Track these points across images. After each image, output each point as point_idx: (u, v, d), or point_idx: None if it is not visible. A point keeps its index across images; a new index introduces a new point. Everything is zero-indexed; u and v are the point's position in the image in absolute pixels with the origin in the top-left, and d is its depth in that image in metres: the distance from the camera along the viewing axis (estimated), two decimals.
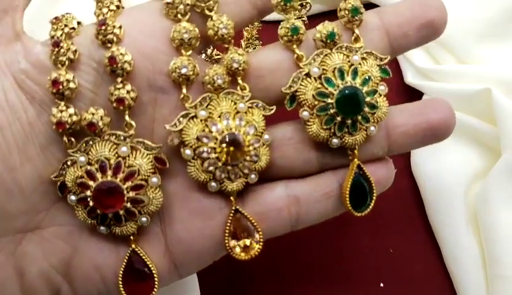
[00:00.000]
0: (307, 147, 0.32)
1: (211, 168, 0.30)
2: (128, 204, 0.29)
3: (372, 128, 0.31)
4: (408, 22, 0.31)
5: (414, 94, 0.46)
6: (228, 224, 0.31)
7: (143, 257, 0.30)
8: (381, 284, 0.42)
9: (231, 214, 0.31)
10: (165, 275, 0.31)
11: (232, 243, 0.31)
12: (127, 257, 0.30)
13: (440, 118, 0.31)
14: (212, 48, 0.46)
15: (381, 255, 0.42)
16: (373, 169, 0.32)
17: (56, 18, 0.30)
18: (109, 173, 0.29)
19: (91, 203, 0.29)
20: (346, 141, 0.31)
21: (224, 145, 0.29)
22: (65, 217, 0.31)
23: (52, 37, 0.30)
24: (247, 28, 0.49)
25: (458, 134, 0.44)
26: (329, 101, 0.30)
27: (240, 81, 0.30)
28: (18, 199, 0.29)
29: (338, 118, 0.30)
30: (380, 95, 0.31)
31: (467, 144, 0.44)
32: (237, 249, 0.31)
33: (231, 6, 0.31)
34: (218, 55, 0.46)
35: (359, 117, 0.30)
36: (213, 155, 0.29)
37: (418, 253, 0.42)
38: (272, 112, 0.31)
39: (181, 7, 0.30)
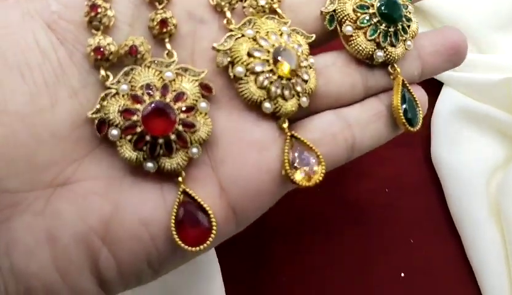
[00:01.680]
0: (351, 69, 0.31)
1: (266, 83, 0.28)
2: (180, 127, 0.26)
3: (409, 42, 0.31)
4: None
5: (432, 85, 0.46)
6: (286, 151, 0.28)
7: (196, 198, 0.27)
8: (402, 274, 0.41)
9: (287, 141, 0.28)
10: (222, 220, 0.27)
11: (294, 170, 0.28)
12: (177, 201, 0.26)
13: (458, 39, 0.33)
14: None
15: (402, 246, 0.42)
16: (413, 90, 0.32)
17: None
18: (157, 94, 0.27)
19: (139, 129, 0.26)
20: (389, 53, 0.31)
21: (278, 56, 0.28)
22: (101, 167, 0.27)
23: None
24: None
25: (478, 124, 0.44)
26: (371, 11, 0.31)
27: (278, 10, 0.30)
28: (47, 145, 0.26)
29: (382, 27, 0.30)
30: (410, 12, 0.32)
31: (487, 134, 0.44)
32: (299, 177, 0.28)
33: None
34: None
35: (399, 27, 0.31)
36: (267, 68, 0.28)
37: (439, 243, 0.42)
38: (313, 39, 0.30)
39: None
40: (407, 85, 0.31)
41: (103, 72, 0.27)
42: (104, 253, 0.26)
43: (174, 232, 0.26)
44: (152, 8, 0.28)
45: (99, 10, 0.27)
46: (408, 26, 0.31)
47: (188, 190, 0.27)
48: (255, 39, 0.28)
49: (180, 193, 0.26)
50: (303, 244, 0.41)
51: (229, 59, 0.28)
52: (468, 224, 0.41)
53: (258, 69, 0.28)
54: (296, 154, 0.28)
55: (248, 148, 0.28)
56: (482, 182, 0.42)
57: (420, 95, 0.32)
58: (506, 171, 0.42)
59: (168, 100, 0.26)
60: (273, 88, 0.28)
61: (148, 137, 0.26)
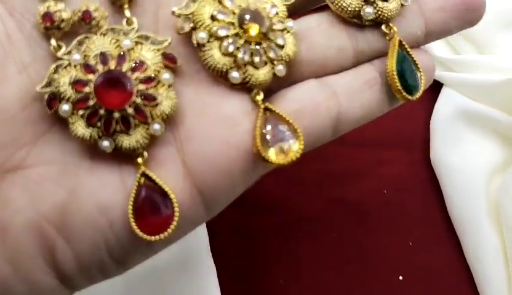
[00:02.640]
0: (338, 30, 0.27)
1: (231, 48, 0.25)
2: (138, 100, 0.24)
3: None
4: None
5: (432, 85, 0.46)
6: (258, 125, 0.25)
7: (157, 181, 0.24)
8: (400, 277, 0.41)
9: (260, 114, 0.25)
10: (187, 205, 0.24)
11: (266, 147, 0.25)
12: (136, 184, 0.24)
13: None
14: None
15: (401, 248, 0.42)
16: (414, 54, 0.28)
17: None
18: (113, 63, 0.24)
19: (91, 102, 0.23)
20: (380, 9, 0.27)
21: (244, 19, 0.25)
22: (56, 152, 0.24)
23: None
24: None
25: (478, 126, 0.44)
26: None
27: None
28: None
29: None
30: None
31: (487, 136, 0.44)
32: (272, 154, 0.25)
33: None
34: None
35: None
36: (232, 31, 0.25)
37: (437, 246, 0.42)
38: (293, 0, 0.27)
39: None
40: (406, 46, 0.28)
41: (53, 42, 0.25)
42: (60, 243, 0.23)
43: (132, 219, 0.23)
44: None
45: None
46: None
47: (148, 172, 0.24)
48: (219, 0, 0.26)
49: (139, 175, 0.24)
50: (300, 245, 0.40)
51: (191, 24, 0.25)
52: (466, 226, 0.41)
53: (222, 33, 0.25)
54: (270, 128, 0.25)
55: (216, 124, 0.25)
56: (481, 184, 0.42)
57: (424, 59, 0.29)
58: (506, 173, 0.41)
59: (124, 69, 0.24)
60: (240, 54, 0.25)
61: (101, 111, 0.24)
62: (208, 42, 0.25)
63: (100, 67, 0.24)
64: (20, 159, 0.24)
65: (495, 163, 0.43)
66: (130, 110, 0.24)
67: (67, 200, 0.24)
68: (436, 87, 0.46)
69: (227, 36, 0.25)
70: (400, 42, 0.27)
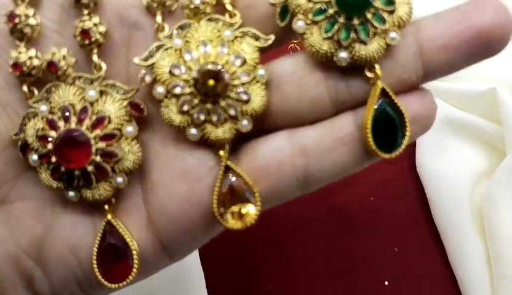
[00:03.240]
0: (314, 80, 0.24)
1: (186, 107, 0.24)
2: (98, 158, 0.24)
3: (393, 34, 0.23)
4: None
5: None
6: (218, 185, 0.24)
7: (119, 229, 0.25)
8: (386, 283, 0.41)
9: (221, 173, 0.25)
10: (149, 254, 0.26)
11: (223, 209, 0.24)
12: (101, 231, 0.25)
13: (491, 20, 0.23)
14: None
15: (386, 254, 0.42)
16: (406, 101, 0.24)
17: None
18: (74, 119, 0.24)
19: (53, 159, 0.24)
20: (357, 53, 0.23)
21: (198, 75, 0.24)
22: (34, 189, 0.26)
23: None
24: None
25: (463, 134, 0.45)
26: None
27: (229, 6, 0.25)
28: None
29: (341, 20, 0.23)
30: None
31: (472, 144, 0.45)
32: (229, 217, 0.24)
33: None
34: None
35: (369, 15, 0.23)
36: (187, 90, 0.24)
37: (423, 252, 0.42)
38: (269, 42, 0.25)
39: None
40: (391, 94, 0.24)
41: (25, 88, 0.25)
42: (38, 273, 0.26)
43: (95, 266, 0.25)
44: (80, 9, 0.25)
45: (16, 20, 0.25)
46: (390, 12, 0.23)
47: (112, 221, 0.25)
48: (180, 52, 0.24)
49: (104, 224, 0.25)
50: (287, 251, 0.41)
51: (152, 76, 0.24)
52: (451, 232, 0.41)
53: (177, 91, 0.24)
54: (229, 189, 0.24)
55: (178, 178, 0.25)
56: (465, 190, 0.42)
57: (420, 107, 0.24)
58: (490, 180, 0.42)
59: (84, 127, 0.24)
60: (195, 114, 0.24)
61: (63, 168, 0.24)
62: (166, 97, 0.24)
63: (61, 124, 0.24)
64: (2, 195, 0.26)
65: (479, 171, 0.44)
66: (90, 168, 0.24)
67: (43, 235, 0.26)
68: None
69: (182, 94, 0.24)
70: (383, 90, 0.24)
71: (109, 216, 0.25)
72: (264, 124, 0.25)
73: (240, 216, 0.24)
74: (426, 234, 0.43)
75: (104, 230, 0.25)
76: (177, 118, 0.24)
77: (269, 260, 0.40)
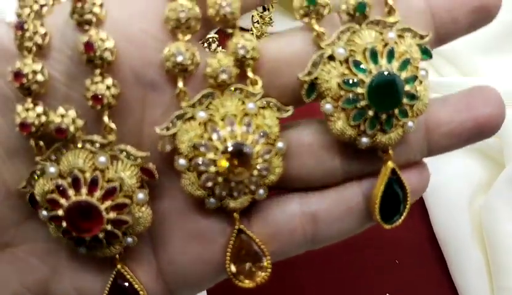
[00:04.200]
0: (330, 153, 0.26)
1: (209, 184, 0.24)
2: (109, 227, 0.24)
3: (410, 123, 0.25)
4: (459, 5, 0.25)
5: None
6: (230, 247, 0.25)
7: (130, 279, 0.25)
8: None
9: (234, 235, 0.25)
10: None
11: (235, 268, 0.26)
12: (111, 279, 0.25)
13: (490, 113, 0.26)
14: (216, 42, 0.39)
15: (388, 266, 0.42)
16: (407, 175, 0.26)
17: None
18: (84, 190, 0.23)
19: (64, 224, 0.24)
20: (378, 140, 0.25)
21: (226, 157, 0.23)
22: (40, 232, 0.26)
23: (19, 15, 0.24)
24: (257, 24, 0.42)
25: None
26: (359, 90, 0.24)
27: (250, 74, 0.24)
28: None
29: (370, 113, 0.24)
30: (421, 82, 0.25)
31: (471, 156, 0.44)
32: (241, 277, 0.26)
33: None
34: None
35: (396, 111, 0.24)
36: (212, 169, 0.23)
37: (423, 263, 0.42)
38: (289, 114, 0.25)
39: None
40: (399, 173, 0.26)
41: (32, 143, 0.24)
42: None
43: None
44: (92, 68, 0.23)
45: (24, 80, 0.23)
46: (411, 106, 0.25)
47: (122, 270, 0.25)
48: (205, 126, 0.24)
49: (114, 272, 0.26)
50: (288, 263, 0.38)
51: (172, 147, 0.24)
52: (451, 243, 0.41)
53: (202, 168, 0.24)
54: (241, 251, 0.26)
55: (191, 238, 0.26)
56: (465, 202, 0.42)
57: (418, 181, 0.27)
58: (489, 192, 0.41)
59: (95, 198, 0.23)
60: (218, 190, 0.24)
61: (73, 233, 0.24)
62: (188, 169, 0.24)
63: (71, 193, 0.23)
64: (9, 238, 0.25)
65: (478, 183, 0.43)
66: (101, 235, 0.24)
67: (50, 276, 0.26)
68: None
69: (206, 171, 0.23)
70: (393, 170, 0.25)
71: (119, 266, 0.25)
72: (276, 185, 0.26)
73: (251, 274, 0.26)
74: (427, 245, 0.43)
75: (115, 278, 0.25)
76: (198, 192, 0.24)
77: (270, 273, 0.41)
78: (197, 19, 0.23)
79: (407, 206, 0.26)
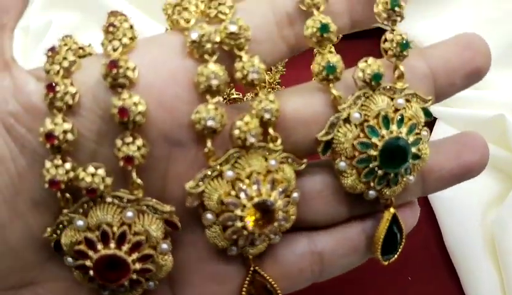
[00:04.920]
0: (338, 200, 0.28)
1: (235, 237, 0.26)
2: (134, 276, 0.25)
3: (411, 177, 0.28)
4: (457, 70, 0.28)
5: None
6: (246, 287, 0.27)
7: None
8: None
9: (249, 276, 0.27)
10: None
11: None
12: None
13: (476, 160, 0.29)
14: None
15: (400, 282, 0.41)
16: (402, 214, 0.29)
17: (52, 49, 0.24)
18: (112, 244, 0.24)
19: (91, 273, 0.25)
20: (384, 193, 0.28)
21: (253, 214, 0.25)
22: (61, 271, 0.26)
23: (48, 72, 0.24)
24: (269, 72, 0.43)
25: None
26: (372, 153, 0.26)
27: (271, 131, 0.26)
28: (8, 258, 0.25)
29: (380, 172, 0.27)
30: (423, 142, 0.27)
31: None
32: None
33: (263, 45, 0.26)
34: (237, 94, 0.40)
35: (403, 170, 0.27)
36: (239, 224, 0.25)
37: (436, 279, 0.41)
38: (303, 167, 0.27)
39: (209, 46, 0.24)
40: (398, 219, 0.29)
41: (59, 195, 0.24)
42: None
43: None
44: (122, 128, 0.24)
45: (55, 141, 0.23)
46: (415, 164, 0.27)
47: None
48: (233, 184, 0.25)
49: None
50: None
51: (198, 202, 0.25)
52: (464, 259, 0.40)
53: (229, 223, 0.25)
54: (255, 290, 0.28)
55: (208, 279, 0.28)
56: (477, 217, 0.41)
57: (411, 217, 0.30)
58: (501, 206, 0.41)
59: (123, 252, 0.24)
60: (241, 242, 0.26)
61: (100, 281, 0.25)
62: (214, 223, 0.25)
63: (100, 247, 0.24)
64: (32, 277, 0.26)
65: (490, 197, 0.43)
66: (126, 283, 0.25)
67: None
68: (430, 122, 0.40)
69: (232, 225, 0.25)
70: (394, 215, 0.28)
71: None
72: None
73: None
74: (439, 261, 0.41)
75: None
76: (222, 243, 0.26)
77: None
78: (225, 84, 0.24)
79: (402, 244, 0.29)
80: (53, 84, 0.23)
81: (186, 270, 0.27)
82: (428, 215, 0.43)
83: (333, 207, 0.28)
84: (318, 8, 0.26)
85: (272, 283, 0.27)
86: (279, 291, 0.28)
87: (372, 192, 0.27)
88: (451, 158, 0.29)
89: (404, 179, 0.27)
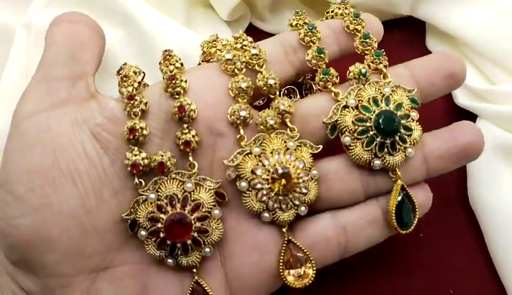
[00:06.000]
0: (352, 178, 0.35)
1: (264, 198, 0.33)
2: (195, 234, 0.33)
3: (410, 149, 0.35)
4: (435, 73, 0.36)
5: (466, 117, 0.43)
6: (282, 255, 0.33)
7: (206, 288, 0.33)
8: None
9: (284, 245, 0.34)
10: None
11: (287, 272, 0.33)
12: (190, 289, 0.33)
13: (469, 141, 0.35)
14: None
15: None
16: (414, 192, 0.35)
17: (122, 76, 0.35)
18: (178, 206, 0.33)
19: (162, 235, 0.33)
20: (387, 162, 0.34)
21: (276, 176, 0.33)
22: (135, 255, 0.34)
23: (122, 93, 0.34)
24: None
25: None
26: (368, 124, 0.34)
27: (288, 123, 0.35)
28: (94, 239, 0.33)
29: (378, 139, 0.34)
30: (413, 120, 0.35)
31: None
32: (291, 278, 0.33)
33: (276, 65, 0.36)
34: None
35: (397, 138, 0.34)
36: (266, 186, 0.33)
37: (481, 293, 0.40)
38: (319, 150, 0.35)
39: (238, 63, 0.35)
40: (407, 189, 0.35)
41: (136, 180, 0.33)
42: None
43: None
44: (179, 124, 0.34)
45: (136, 133, 0.33)
46: (409, 135, 0.35)
47: (199, 281, 0.34)
48: (259, 157, 0.34)
49: (192, 283, 0.33)
50: (334, 292, 0.41)
51: (236, 173, 0.34)
52: (511, 270, 0.39)
53: (258, 186, 0.33)
54: (291, 257, 0.34)
55: (250, 249, 0.34)
56: None
57: (422, 195, 0.36)
58: None
59: (186, 211, 0.33)
60: (270, 203, 0.33)
61: (168, 242, 0.33)
62: (248, 190, 0.33)
63: (169, 209, 0.33)
64: (109, 261, 0.34)
65: None
66: (189, 241, 0.33)
67: (140, 292, 0.34)
68: (470, 119, 0.39)
69: (262, 188, 0.33)
70: (402, 186, 0.35)
71: (196, 277, 0.34)
72: (313, 207, 0.35)
73: (299, 277, 0.34)
74: (484, 272, 0.40)
75: (192, 288, 0.33)
76: (256, 205, 0.33)
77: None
78: (251, 88, 0.35)
79: (417, 215, 0.35)
80: (133, 96, 0.34)
81: (232, 242, 0.34)
82: (471, 222, 0.42)
83: (349, 184, 0.35)
84: (314, 43, 0.36)
85: (305, 250, 0.34)
86: (311, 257, 0.34)
87: (377, 161, 0.34)
88: (447, 140, 0.36)
89: (402, 147, 0.34)
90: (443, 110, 0.37)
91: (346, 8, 0.38)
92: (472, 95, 0.45)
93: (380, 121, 0.34)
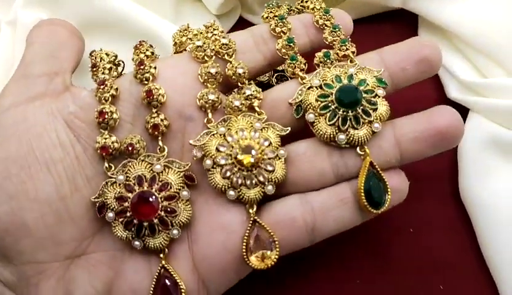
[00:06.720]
0: (320, 158, 0.35)
1: (228, 174, 0.33)
2: (162, 213, 0.33)
3: (376, 124, 0.34)
4: (406, 58, 0.36)
5: (458, 110, 0.39)
6: (246, 235, 0.33)
7: (172, 272, 0.33)
8: None
9: (249, 225, 0.33)
10: (194, 293, 0.34)
11: (250, 253, 0.33)
12: (156, 274, 0.33)
13: (447, 124, 0.34)
14: None
15: (431, 293, 0.39)
16: (387, 175, 0.34)
17: (93, 64, 0.37)
18: (146, 185, 0.33)
19: (128, 214, 0.33)
20: (351, 136, 0.34)
21: (238, 151, 0.33)
22: (108, 242, 0.34)
23: (95, 80, 0.36)
24: None
25: (509, 155, 0.41)
26: (329, 98, 0.34)
27: (256, 108, 0.35)
28: (69, 226, 0.33)
29: (340, 112, 0.34)
30: (378, 96, 0.35)
31: None
32: (253, 259, 0.33)
33: (246, 55, 0.37)
34: None
35: (360, 110, 0.34)
36: (229, 161, 0.33)
37: (471, 289, 0.39)
38: (287, 132, 0.35)
39: (208, 50, 0.36)
40: (377, 167, 0.34)
41: (106, 164, 0.34)
42: None
43: None
44: (149, 109, 0.35)
45: (106, 116, 0.34)
46: (374, 110, 0.34)
47: (166, 266, 0.33)
48: (224, 136, 0.34)
49: (159, 268, 0.33)
50: (322, 289, 0.40)
51: (202, 153, 0.34)
52: (503, 267, 0.38)
53: (222, 162, 0.33)
54: (255, 238, 0.33)
55: (217, 230, 0.34)
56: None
57: (396, 180, 0.34)
58: None
59: (154, 190, 0.33)
60: (234, 179, 0.33)
61: (135, 221, 0.33)
62: (212, 167, 0.34)
63: (137, 188, 0.33)
64: (84, 247, 0.34)
65: None
66: (156, 221, 0.33)
67: (113, 279, 0.34)
68: (462, 113, 0.37)
69: (225, 164, 0.33)
70: (371, 163, 0.34)
71: (163, 262, 0.33)
72: (281, 190, 0.35)
73: (263, 258, 0.33)
74: (474, 268, 0.39)
75: (159, 274, 0.33)
76: (221, 182, 0.33)
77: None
78: (220, 75, 0.36)
79: (389, 196, 0.33)
80: (104, 81, 0.35)
81: (199, 223, 0.34)
82: (462, 216, 0.41)
83: (317, 164, 0.35)
84: (285, 33, 0.37)
85: (269, 230, 0.33)
86: (275, 238, 0.33)
87: (341, 136, 0.34)
88: (422, 123, 0.34)
89: (366, 121, 0.34)
90: (435, 104, 0.35)
91: (317, 2, 0.39)
92: (464, 89, 0.44)
93: (340, 94, 0.34)
